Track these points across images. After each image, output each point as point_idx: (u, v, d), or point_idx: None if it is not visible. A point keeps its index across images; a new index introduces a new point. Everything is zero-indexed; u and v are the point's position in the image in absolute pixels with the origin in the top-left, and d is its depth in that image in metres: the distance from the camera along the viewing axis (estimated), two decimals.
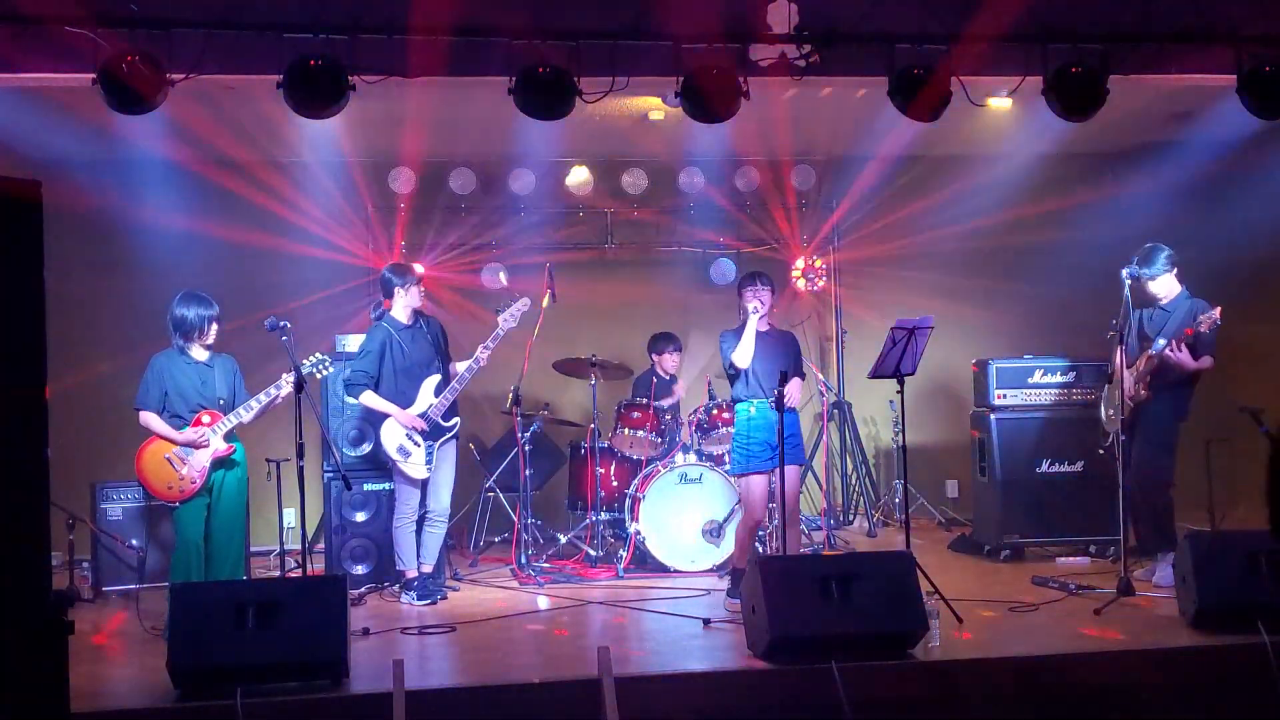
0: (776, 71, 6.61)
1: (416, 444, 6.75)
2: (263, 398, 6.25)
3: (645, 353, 8.82)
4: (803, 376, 6.60)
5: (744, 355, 6.36)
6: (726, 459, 7.77)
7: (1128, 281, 6.60)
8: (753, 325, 6.37)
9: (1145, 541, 6.92)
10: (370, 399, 6.79)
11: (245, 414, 6.23)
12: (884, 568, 5.38)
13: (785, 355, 6.47)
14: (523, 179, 9.29)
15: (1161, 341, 6.72)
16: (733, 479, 7.11)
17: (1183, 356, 6.58)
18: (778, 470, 6.32)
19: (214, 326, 6.24)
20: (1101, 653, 5.27)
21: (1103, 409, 7.18)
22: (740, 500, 6.94)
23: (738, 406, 6.56)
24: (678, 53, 6.37)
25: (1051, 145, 8.54)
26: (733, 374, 6.49)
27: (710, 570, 7.48)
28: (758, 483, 6.45)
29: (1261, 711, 4.92)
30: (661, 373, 8.67)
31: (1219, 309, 6.48)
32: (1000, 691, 5.04)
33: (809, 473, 9.52)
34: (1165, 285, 6.87)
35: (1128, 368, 6.73)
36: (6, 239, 3.14)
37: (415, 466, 6.76)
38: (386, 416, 6.76)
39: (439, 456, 6.83)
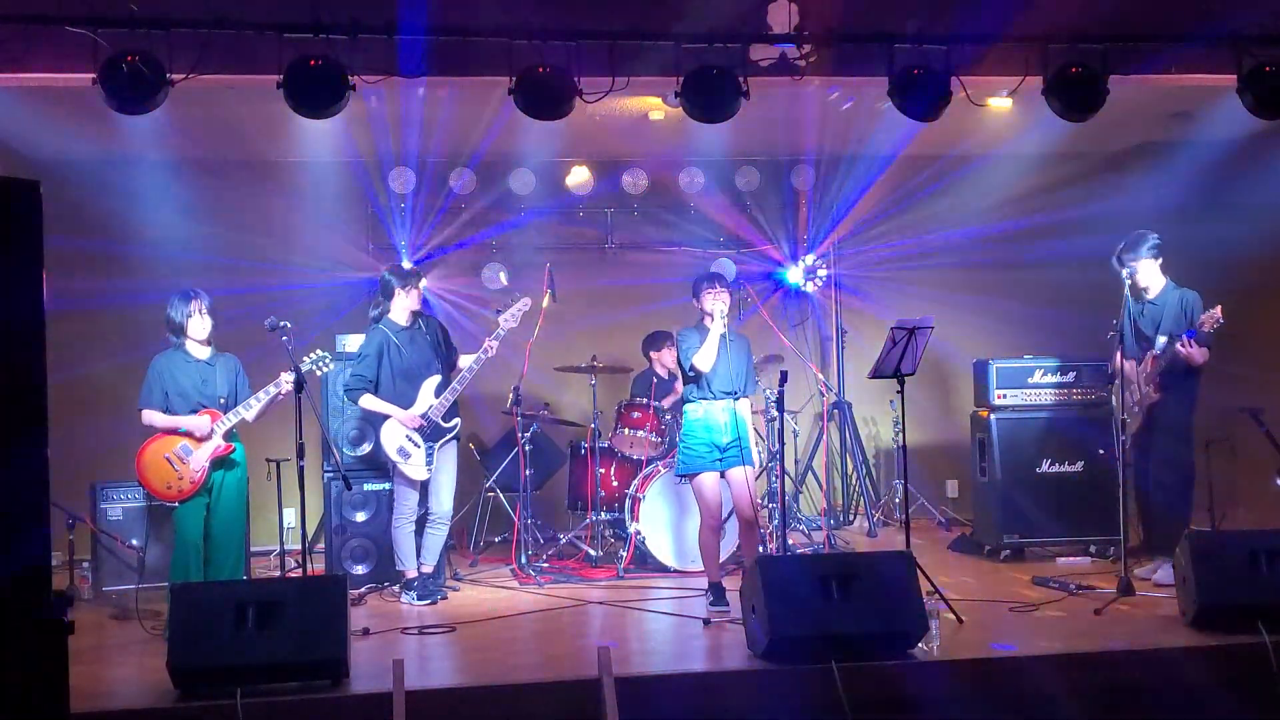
0: (776, 71, 6.62)
1: (416, 445, 6.75)
2: (262, 395, 6.25)
3: (643, 354, 8.83)
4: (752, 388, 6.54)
5: (706, 359, 6.28)
6: None
7: (1127, 281, 6.60)
8: (717, 329, 6.29)
9: (1156, 542, 6.88)
10: (369, 402, 6.78)
11: (246, 412, 6.23)
12: (884, 568, 5.36)
13: (740, 360, 6.38)
14: (523, 179, 9.30)
15: (1162, 339, 6.73)
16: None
17: (1193, 352, 6.56)
18: (725, 473, 6.32)
19: (204, 312, 6.20)
20: (1101, 653, 5.26)
21: (1116, 405, 7.17)
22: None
23: (686, 407, 6.48)
24: (678, 53, 6.37)
25: (1051, 145, 8.54)
26: (691, 375, 6.40)
27: None
28: (710, 480, 6.37)
29: (1261, 711, 4.91)
30: (660, 371, 8.66)
31: (1219, 307, 6.47)
32: (1000, 691, 5.03)
33: (809, 473, 9.56)
34: (1149, 275, 6.85)
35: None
36: (6, 239, 3.14)
37: (415, 468, 6.76)
38: (387, 417, 6.76)
39: (439, 458, 6.82)
